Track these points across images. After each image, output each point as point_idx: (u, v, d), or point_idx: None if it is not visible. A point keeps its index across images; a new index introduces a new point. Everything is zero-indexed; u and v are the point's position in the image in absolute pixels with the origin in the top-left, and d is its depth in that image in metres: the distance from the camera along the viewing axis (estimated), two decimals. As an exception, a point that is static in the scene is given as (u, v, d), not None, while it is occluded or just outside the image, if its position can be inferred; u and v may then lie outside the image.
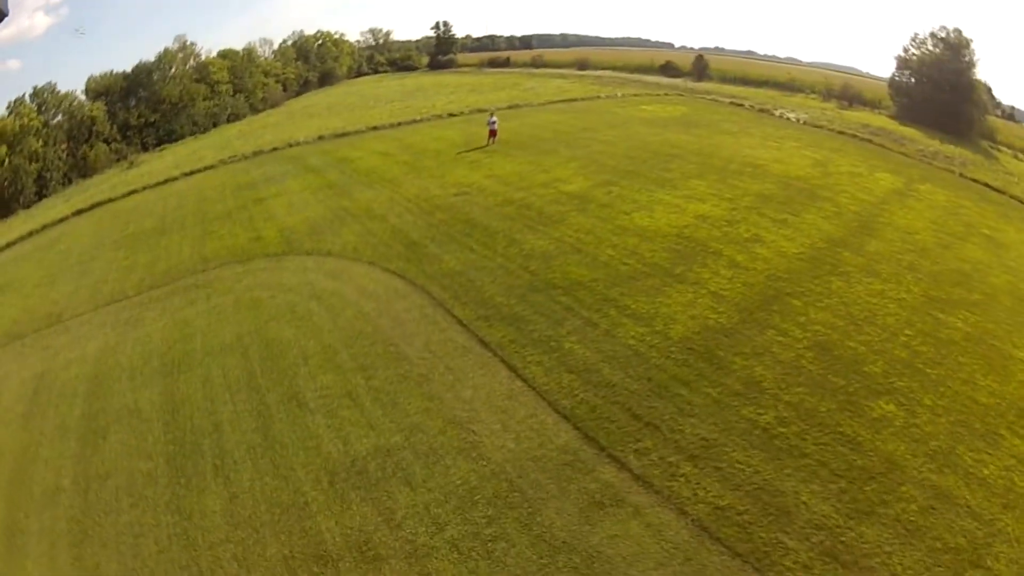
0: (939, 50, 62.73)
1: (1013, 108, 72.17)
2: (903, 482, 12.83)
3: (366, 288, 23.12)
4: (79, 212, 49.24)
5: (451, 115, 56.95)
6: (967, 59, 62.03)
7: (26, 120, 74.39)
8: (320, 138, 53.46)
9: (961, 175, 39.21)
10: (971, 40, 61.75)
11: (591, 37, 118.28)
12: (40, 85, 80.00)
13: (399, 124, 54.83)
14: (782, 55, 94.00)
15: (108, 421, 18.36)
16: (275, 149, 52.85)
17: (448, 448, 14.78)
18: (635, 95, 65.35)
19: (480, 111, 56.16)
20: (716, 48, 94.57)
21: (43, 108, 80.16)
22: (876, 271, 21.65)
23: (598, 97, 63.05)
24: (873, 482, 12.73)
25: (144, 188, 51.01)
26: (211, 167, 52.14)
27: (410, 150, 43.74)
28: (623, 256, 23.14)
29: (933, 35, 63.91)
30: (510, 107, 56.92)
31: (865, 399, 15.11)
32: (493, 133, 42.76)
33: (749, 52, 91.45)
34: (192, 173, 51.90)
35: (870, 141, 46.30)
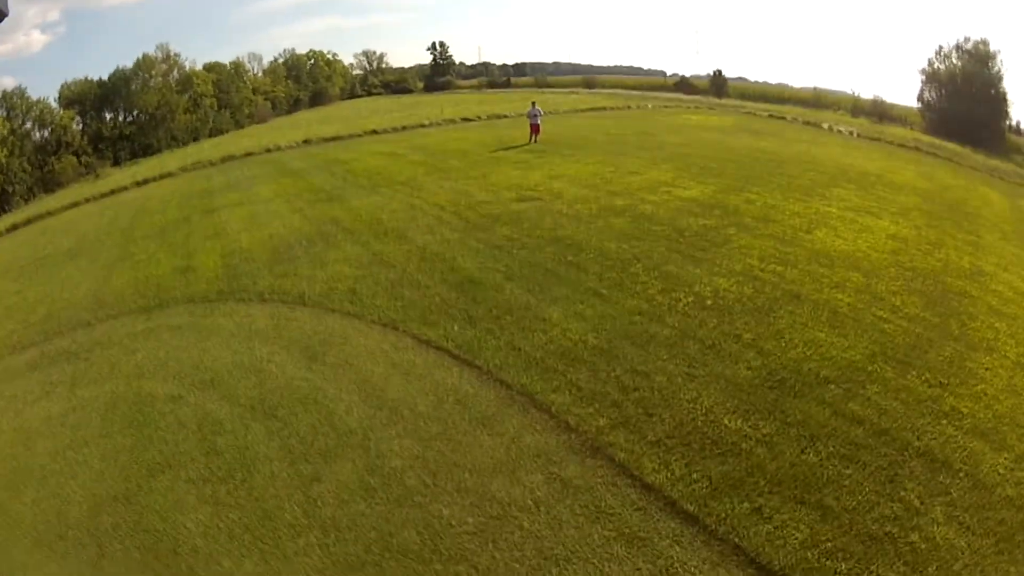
0: (963, 63, 54.80)
1: (1019, 122, 61.35)
2: None
3: (384, 393, 9.09)
4: (13, 228, 35.20)
5: (465, 120, 42.64)
6: (995, 71, 53.98)
7: (-10, 127, 59.75)
8: (306, 142, 38.85)
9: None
10: (998, 51, 53.91)
11: (584, 66, 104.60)
12: (8, 90, 65.21)
13: (404, 128, 40.40)
14: (773, 81, 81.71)
15: None
16: (249, 155, 38.19)
17: None
18: (665, 107, 52.02)
19: (500, 117, 42.16)
20: (708, 75, 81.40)
21: (11, 115, 65.30)
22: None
23: (628, 107, 49.33)
24: None
25: (86, 200, 36.50)
26: (169, 175, 37.57)
27: (424, 150, 29.43)
28: (867, 305, 11.13)
29: (958, 47, 55.57)
30: (533, 114, 42.67)
31: None
32: (536, 129, 29.05)
33: (740, 78, 78.52)
34: (145, 182, 37.32)
35: (935, 155, 36.93)
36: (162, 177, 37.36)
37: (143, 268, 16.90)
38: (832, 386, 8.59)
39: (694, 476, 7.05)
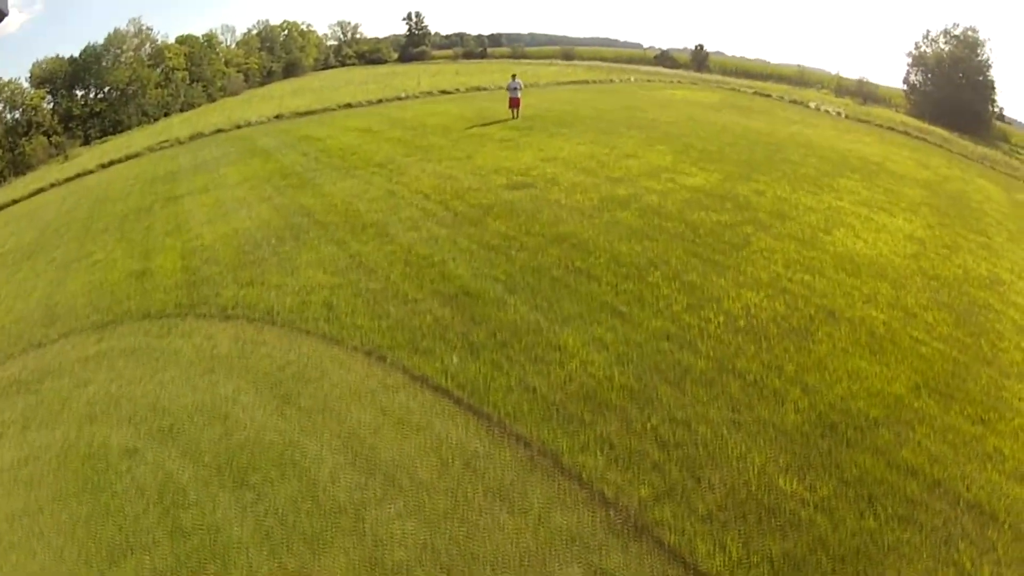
0: (951, 48, 53.50)
1: (1003, 109, 60.76)
2: None
3: (376, 453, 7.28)
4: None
5: (444, 92, 40.40)
6: (983, 58, 52.67)
7: (-42, 113, 56.33)
8: (277, 117, 36.46)
9: (1026, 183, 31.14)
10: (987, 39, 52.82)
11: (559, 36, 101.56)
12: (-19, 75, 61.65)
13: (379, 101, 38.10)
14: (751, 56, 79.83)
15: None
16: (219, 131, 35.77)
17: None
18: (648, 80, 50.06)
19: (479, 89, 39.90)
20: (685, 48, 79.20)
21: (-18, 99, 61.94)
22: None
23: (611, 81, 47.31)
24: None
25: (52, 185, 34.20)
26: (136, 155, 35.18)
27: (402, 125, 27.22)
28: (901, 324, 9.87)
29: (946, 32, 54.16)
30: (513, 87, 40.54)
31: None
32: (516, 103, 26.82)
33: (719, 52, 76.40)
34: (110, 164, 34.87)
35: (925, 140, 35.42)
36: (128, 158, 35.09)
37: (98, 271, 15.04)
38: (883, 429, 7.39)
39: (754, 559, 5.69)
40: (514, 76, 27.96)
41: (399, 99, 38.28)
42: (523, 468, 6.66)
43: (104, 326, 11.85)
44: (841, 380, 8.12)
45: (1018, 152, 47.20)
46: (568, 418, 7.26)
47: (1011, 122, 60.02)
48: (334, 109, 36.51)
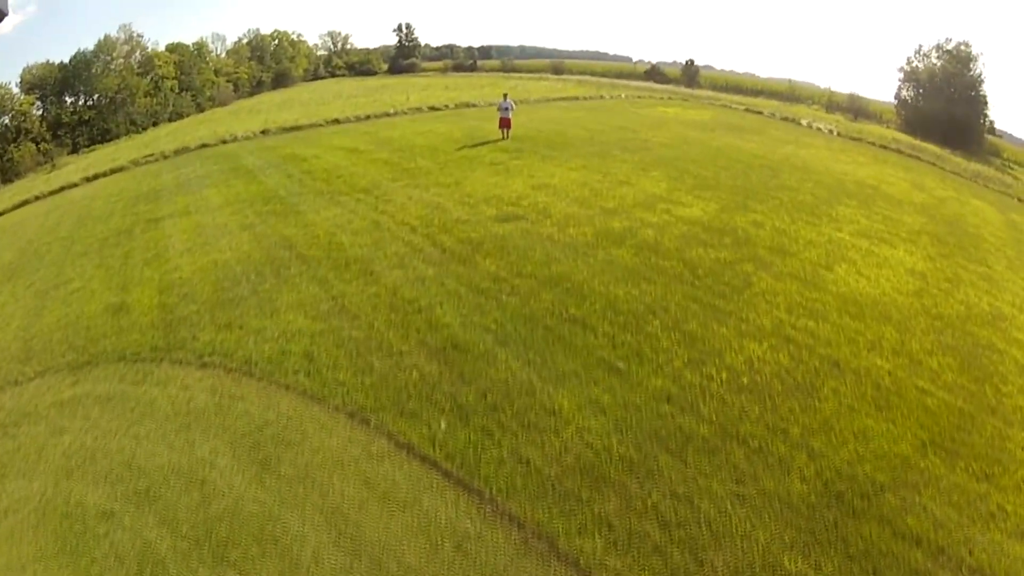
0: (944, 62, 53.38)
1: (993, 122, 61.11)
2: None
3: (361, 532, 6.81)
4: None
5: (433, 108, 39.99)
6: (976, 73, 52.42)
7: (-55, 118, 55.47)
8: (263, 132, 35.90)
9: (1019, 200, 31.47)
10: (980, 54, 53.39)
11: (549, 49, 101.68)
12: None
13: (367, 117, 37.64)
14: (740, 70, 79.99)
15: None
16: (204, 146, 35.20)
17: None
18: (639, 97, 49.81)
19: (469, 106, 39.59)
20: (674, 62, 79.42)
21: (-29, 103, 61.18)
22: None
23: (602, 97, 47.06)
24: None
25: (36, 198, 33.56)
26: (121, 169, 34.70)
27: (389, 146, 26.68)
28: (907, 373, 9.51)
29: (939, 47, 54.22)
30: (504, 103, 40.21)
31: None
32: (506, 123, 26.30)
33: (707, 66, 76.55)
34: (95, 177, 34.32)
35: (918, 158, 35.29)
36: (113, 171, 34.55)
37: (75, 302, 14.50)
38: (889, 495, 7.11)
39: None
40: (505, 95, 27.55)
41: (387, 115, 37.85)
42: (517, 552, 6.22)
43: (79, 367, 11.41)
44: (847, 442, 7.77)
45: (1010, 168, 47.52)
46: (564, 495, 6.81)
47: (1001, 135, 60.26)
48: (321, 125, 36.05)
